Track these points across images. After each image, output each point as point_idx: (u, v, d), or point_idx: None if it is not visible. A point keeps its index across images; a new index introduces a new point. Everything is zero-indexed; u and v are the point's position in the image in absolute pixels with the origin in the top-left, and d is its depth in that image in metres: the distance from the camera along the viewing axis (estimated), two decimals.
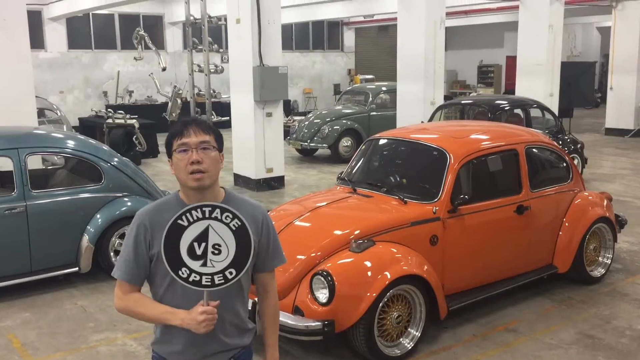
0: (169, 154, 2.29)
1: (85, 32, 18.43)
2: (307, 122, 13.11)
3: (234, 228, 2.12)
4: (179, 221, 2.09)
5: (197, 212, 2.09)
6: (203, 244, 2.10)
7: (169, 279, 2.20)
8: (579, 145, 10.09)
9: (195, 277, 2.11)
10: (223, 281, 2.14)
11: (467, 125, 6.64)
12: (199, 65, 11.30)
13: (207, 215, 2.10)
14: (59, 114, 11.67)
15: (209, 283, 2.13)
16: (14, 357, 4.46)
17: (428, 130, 5.79)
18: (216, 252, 2.11)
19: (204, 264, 2.11)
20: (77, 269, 5.76)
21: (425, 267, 4.42)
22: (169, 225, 2.09)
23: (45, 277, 5.64)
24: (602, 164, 12.02)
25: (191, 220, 2.09)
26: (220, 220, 2.10)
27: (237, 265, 2.14)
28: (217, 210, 2.11)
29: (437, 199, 4.69)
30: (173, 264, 2.10)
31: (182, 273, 2.10)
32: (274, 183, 10.10)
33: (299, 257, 4.38)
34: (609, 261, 5.79)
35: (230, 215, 2.11)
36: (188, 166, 2.20)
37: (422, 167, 5.28)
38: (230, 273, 2.14)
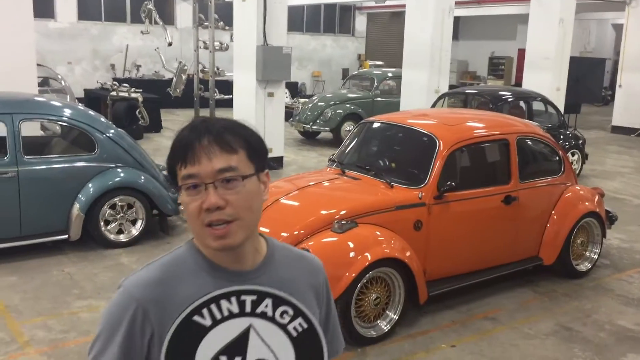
0: (175, 186, 1.37)
1: (96, 4, 18.40)
2: (310, 105, 13.08)
3: (294, 334, 1.28)
4: (196, 318, 1.24)
5: (231, 303, 1.25)
6: None
7: None
8: (580, 141, 10.03)
9: None
10: None
11: (462, 113, 6.62)
12: (204, 42, 11.28)
13: (247, 310, 1.26)
14: (63, 84, 11.69)
15: None
16: None
17: (422, 116, 5.77)
18: None
19: None
20: (66, 236, 5.82)
21: (407, 252, 4.43)
22: (177, 323, 1.23)
23: (35, 243, 5.70)
24: (604, 161, 11.95)
25: (218, 317, 1.24)
26: (272, 320, 1.27)
27: None
28: (267, 302, 1.27)
29: (423, 185, 4.69)
30: None
31: None
32: (273, 163, 10.11)
33: (282, 234, 4.40)
34: (596, 256, 5.78)
35: (290, 312, 1.28)
36: (202, 214, 1.30)
37: (412, 152, 5.27)
38: None
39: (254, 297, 1.25)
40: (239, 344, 1.24)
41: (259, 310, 1.25)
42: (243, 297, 1.25)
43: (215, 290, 1.27)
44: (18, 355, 4.05)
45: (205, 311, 1.23)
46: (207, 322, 1.23)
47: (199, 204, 1.29)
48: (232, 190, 1.30)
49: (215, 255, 1.36)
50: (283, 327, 1.27)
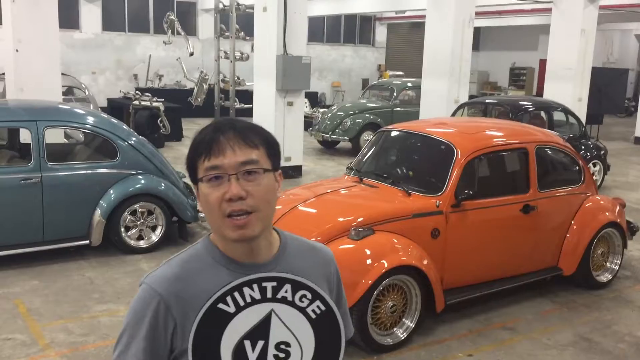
0: (194, 179, 1.43)
1: (120, 15, 18.72)
2: (329, 114, 13.14)
3: (313, 316, 1.36)
4: (221, 305, 1.31)
5: (253, 290, 1.32)
6: (260, 343, 1.32)
7: None
8: (602, 152, 9.93)
9: None
10: None
11: (481, 122, 6.61)
12: (225, 52, 11.44)
13: (269, 295, 1.33)
14: (87, 93, 11.91)
15: None
16: (18, 322, 4.60)
17: (440, 125, 5.77)
18: (282, 355, 1.34)
19: None
20: (88, 242, 5.91)
21: (425, 260, 4.43)
22: (203, 312, 1.30)
23: (57, 248, 5.80)
24: (626, 172, 11.80)
25: (241, 303, 1.32)
26: (292, 304, 1.35)
27: None
28: (287, 288, 1.34)
29: (441, 193, 4.69)
30: None
31: None
32: (291, 172, 10.16)
33: None
34: (616, 267, 5.71)
35: (309, 296, 1.36)
36: (223, 204, 1.35)
37: (430, 160, 5.28)
38: None
39: (274, 284, 1.33)
40: (262, 328, 1.32)
41: (279, 295, 1.33)
42: (264, 284, 1.32)
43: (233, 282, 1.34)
44: (39, 358, 4.11)
45: (229, 299, 1.30)
46: (231, 309, 1.31)
47: (221, 195, 1.35)
48: (253, 182, 1.36)
49: (231, 249, 1.42)
50: (302, 310, 1.35)
